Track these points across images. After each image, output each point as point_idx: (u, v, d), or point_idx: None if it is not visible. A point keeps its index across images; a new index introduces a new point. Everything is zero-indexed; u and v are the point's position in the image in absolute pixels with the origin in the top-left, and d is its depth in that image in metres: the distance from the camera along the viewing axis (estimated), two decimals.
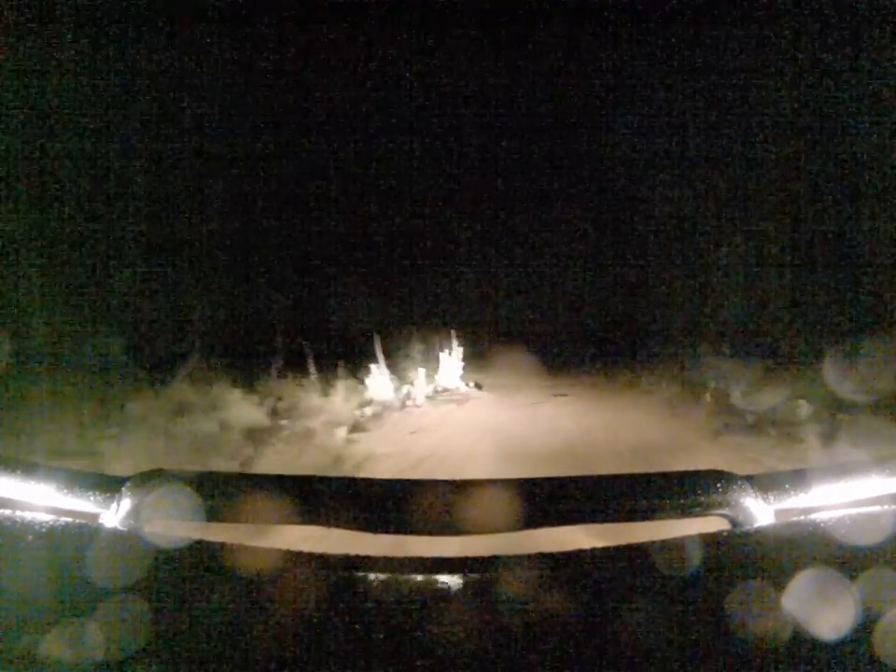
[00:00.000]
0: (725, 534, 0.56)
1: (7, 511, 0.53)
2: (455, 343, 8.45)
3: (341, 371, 6.30)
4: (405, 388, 6.59)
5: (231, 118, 9.12)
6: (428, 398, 6.79)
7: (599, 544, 0.54)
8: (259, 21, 8.88)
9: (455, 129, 9.80)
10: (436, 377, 7.80)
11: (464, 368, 8.40)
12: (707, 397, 5.92)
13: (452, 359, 8.24)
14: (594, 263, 10.17)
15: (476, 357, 9.05)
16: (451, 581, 0.47)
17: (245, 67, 9.26)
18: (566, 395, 7.29)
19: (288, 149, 9.89)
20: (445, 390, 7.62)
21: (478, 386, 8.12)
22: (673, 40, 8.12)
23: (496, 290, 10.94)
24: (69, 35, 6.37)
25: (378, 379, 6.36)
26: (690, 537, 0.53)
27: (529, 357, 8.96)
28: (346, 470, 3.66)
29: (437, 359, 8.10)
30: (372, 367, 6.43)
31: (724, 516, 0.57)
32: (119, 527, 0.54)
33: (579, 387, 8.01)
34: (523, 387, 7.89)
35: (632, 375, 8.35)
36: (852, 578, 0.44)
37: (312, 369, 6.19)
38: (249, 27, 8.78)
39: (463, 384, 8.12)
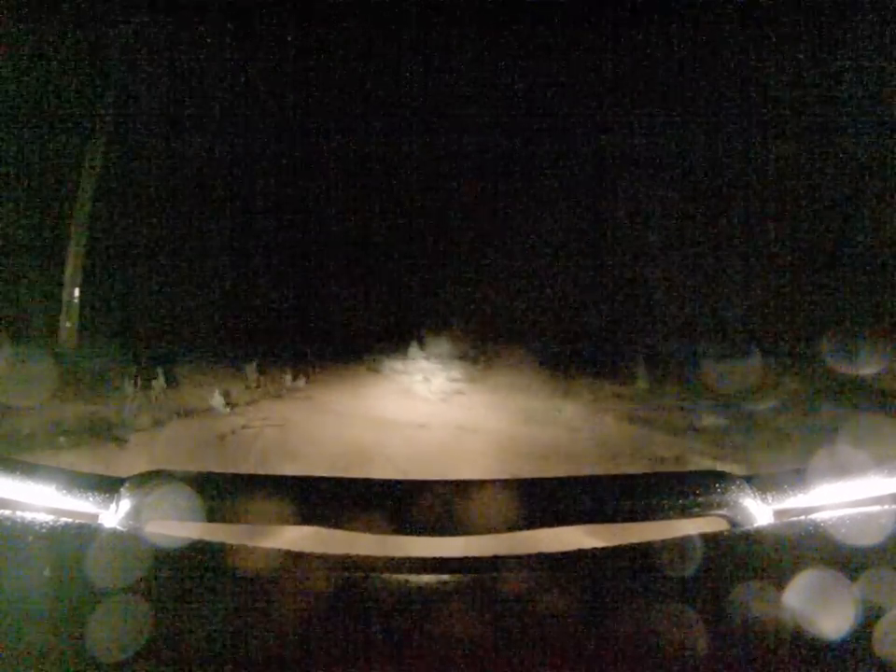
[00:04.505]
0: (724, 534, 0.56)
1: (7, 512, 0.53)
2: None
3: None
4: None
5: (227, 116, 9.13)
6: None
7: (599, 544, 0.54)
8: (257, 19, 8.87)
9: (451, 127, 9.71)
10: None
11: None
12: None
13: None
14: (590, 261, 10.02)
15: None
16: (451, 580, 0.47)
17: (245, 66, 9.25)
18: None
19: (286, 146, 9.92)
20: None
21: None
22: (674, 39, 8.09)
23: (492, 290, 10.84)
24: (68, 33, 6.36)
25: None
26: (689, 537, 0.53)
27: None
28: None
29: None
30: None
31: (723, 516, 0.57)
32: (119, 528, 0.54)
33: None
34: None
35: None
36: (852, 578, 0.44)
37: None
38: (248, 25, 8.77)
39: None
